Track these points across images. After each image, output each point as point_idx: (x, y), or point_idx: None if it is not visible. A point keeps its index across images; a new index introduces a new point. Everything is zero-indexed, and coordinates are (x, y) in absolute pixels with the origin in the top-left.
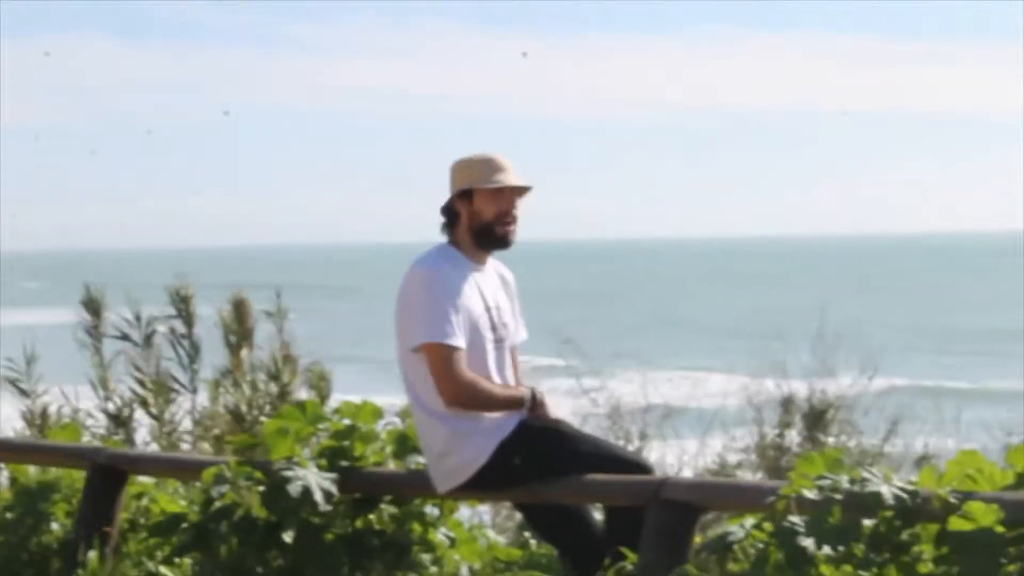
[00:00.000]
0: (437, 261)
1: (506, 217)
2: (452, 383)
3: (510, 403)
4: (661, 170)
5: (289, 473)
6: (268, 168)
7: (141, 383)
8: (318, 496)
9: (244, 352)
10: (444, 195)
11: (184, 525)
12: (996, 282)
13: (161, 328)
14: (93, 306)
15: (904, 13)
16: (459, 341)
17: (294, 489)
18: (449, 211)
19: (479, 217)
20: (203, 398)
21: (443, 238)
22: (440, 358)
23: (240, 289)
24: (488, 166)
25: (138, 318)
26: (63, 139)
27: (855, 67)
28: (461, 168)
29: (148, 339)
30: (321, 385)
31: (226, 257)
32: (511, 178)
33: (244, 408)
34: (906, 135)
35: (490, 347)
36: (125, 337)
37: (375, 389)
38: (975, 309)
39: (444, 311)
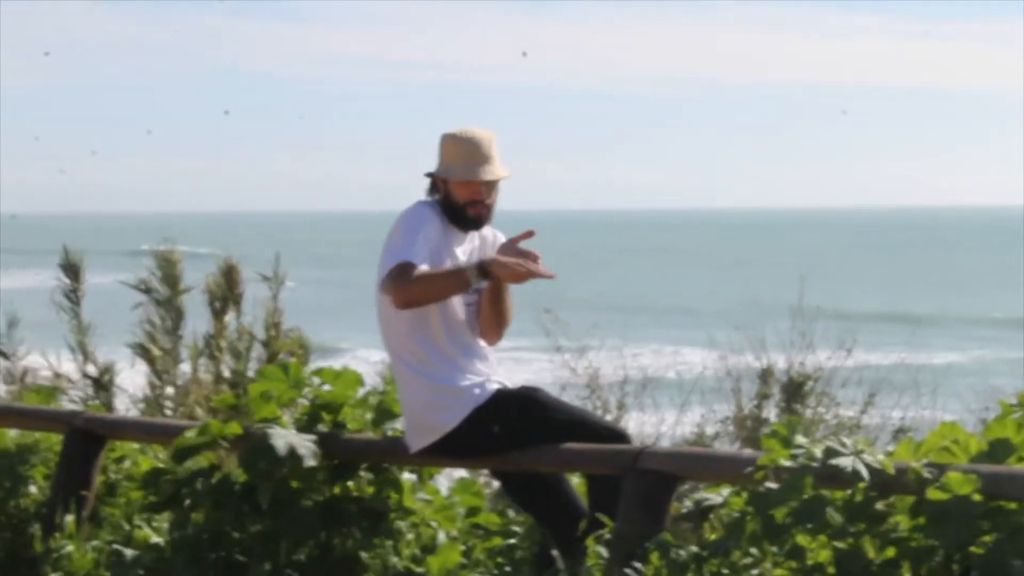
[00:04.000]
0: (422, 203)
1: (476, 204)
2: (396, 284)
3: (452, 276)
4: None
5: (268, 432)
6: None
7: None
8: (301, 452)
9: (228, 318)
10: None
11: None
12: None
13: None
14: (72, 269)
15: None
16: (419, 260)
17: (275, 446)
18: (432, 181)
19: (452, 198)
20: (186, 367)
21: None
22: (397, 269)
23: (229, 254)
24: (467, 151)
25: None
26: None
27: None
28: (446, 146)
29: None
30: (299, 352)
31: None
32: (483, 171)
33: (227, 374)
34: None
35: (463, 307)
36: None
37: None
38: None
39: (406, 238)
